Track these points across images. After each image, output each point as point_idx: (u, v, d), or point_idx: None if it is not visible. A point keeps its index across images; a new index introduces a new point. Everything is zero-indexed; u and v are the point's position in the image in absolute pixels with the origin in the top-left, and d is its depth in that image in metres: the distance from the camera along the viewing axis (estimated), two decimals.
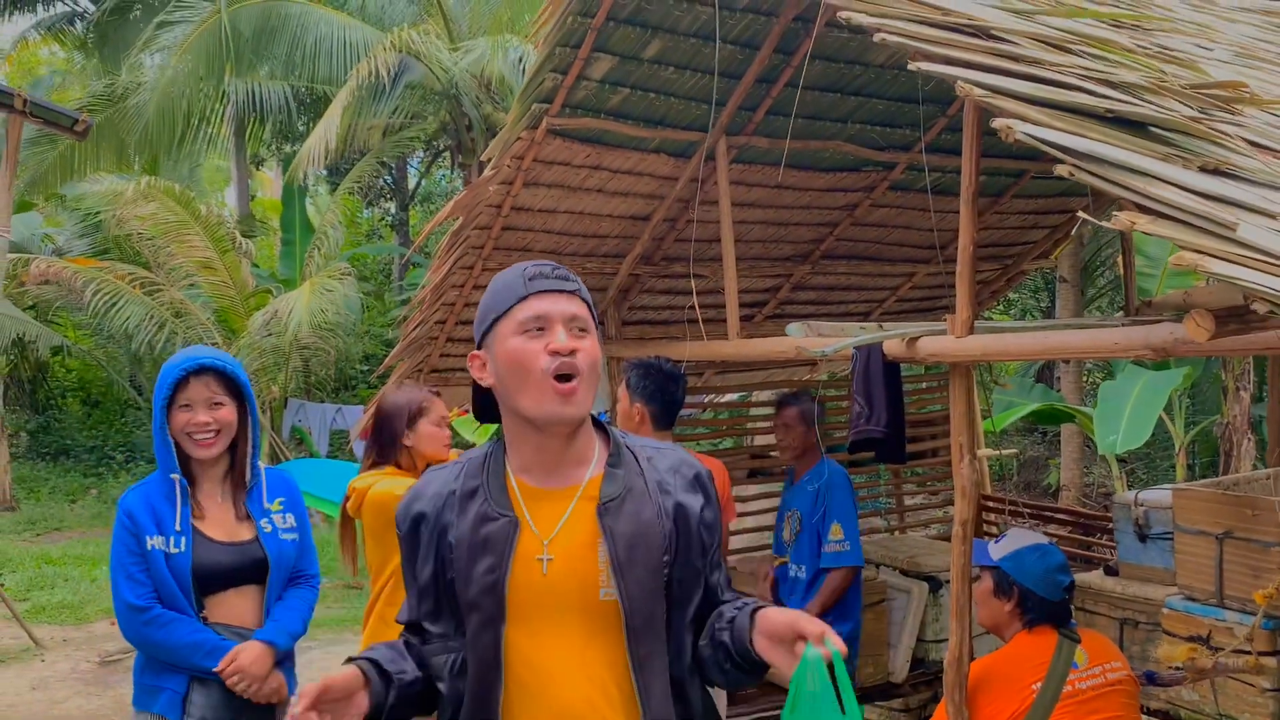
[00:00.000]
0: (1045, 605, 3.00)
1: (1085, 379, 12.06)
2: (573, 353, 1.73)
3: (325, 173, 13.98)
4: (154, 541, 2.76)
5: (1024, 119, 1.68)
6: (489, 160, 4.09)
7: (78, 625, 8.02)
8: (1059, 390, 10.95)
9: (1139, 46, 2.16)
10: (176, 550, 2.77)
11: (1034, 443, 12.91)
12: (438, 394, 3.67)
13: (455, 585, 1.76)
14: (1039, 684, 2.91)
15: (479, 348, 1.83)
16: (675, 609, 1.78)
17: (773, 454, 5.61)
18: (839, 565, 4.18)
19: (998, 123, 1.69)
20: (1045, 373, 12.47)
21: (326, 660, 6.94)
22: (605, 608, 1.74)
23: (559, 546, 1.75)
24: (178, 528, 2.78)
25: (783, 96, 4.26)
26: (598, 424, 1.90)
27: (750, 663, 1.72)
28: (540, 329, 1.74)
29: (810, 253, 5.38)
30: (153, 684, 2.83)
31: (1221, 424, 8.86)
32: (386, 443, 3.53)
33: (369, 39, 13.11)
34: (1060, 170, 1.62)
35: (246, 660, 2.75)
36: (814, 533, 4.25)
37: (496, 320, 1.77)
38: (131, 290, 12.06)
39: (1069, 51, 1.93)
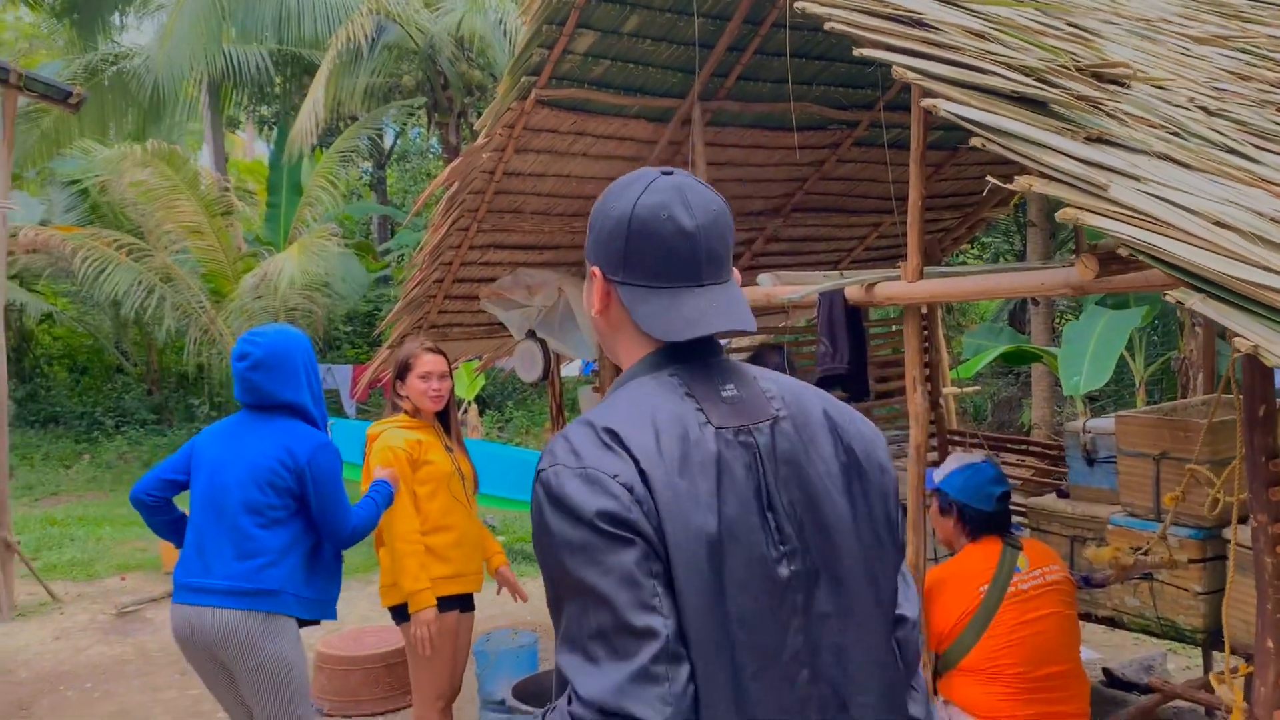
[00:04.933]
0: (982, 515, 3.32)
1: (1059, 320, 12.33)
2: None
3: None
4: None
5: (948, 98, 2.01)
6: (462, 118, 4.39)
7: (89, 581, 8.21)
8: (1028, 333, 11.23)
9: (1049, 28, 2.49)
10: None
11: (1007, 384, 13.22)
12: (435, 350, 3.81)
13: None
14: (986, 586, 3.25)
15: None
16: None
17: None
18: None
19: (925, 102, 2.02)
20: (1018, 316, 12.75)
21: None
22: None
23: None
24: None
25: (752, 63, 4.56)
26: None
27: None
28: None
29: (781, 207, 5.68)
30: None
31: (1178, 359, 9.07)
32: (393, 394, 3.86)
33: (349, 1, 13.19)
34: (974, 141, 1.96)
35: None
36: None
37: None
38: (120, 256, 12.20)
39: (987, 38, 2.27)
